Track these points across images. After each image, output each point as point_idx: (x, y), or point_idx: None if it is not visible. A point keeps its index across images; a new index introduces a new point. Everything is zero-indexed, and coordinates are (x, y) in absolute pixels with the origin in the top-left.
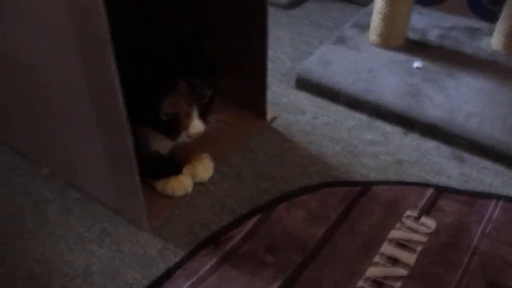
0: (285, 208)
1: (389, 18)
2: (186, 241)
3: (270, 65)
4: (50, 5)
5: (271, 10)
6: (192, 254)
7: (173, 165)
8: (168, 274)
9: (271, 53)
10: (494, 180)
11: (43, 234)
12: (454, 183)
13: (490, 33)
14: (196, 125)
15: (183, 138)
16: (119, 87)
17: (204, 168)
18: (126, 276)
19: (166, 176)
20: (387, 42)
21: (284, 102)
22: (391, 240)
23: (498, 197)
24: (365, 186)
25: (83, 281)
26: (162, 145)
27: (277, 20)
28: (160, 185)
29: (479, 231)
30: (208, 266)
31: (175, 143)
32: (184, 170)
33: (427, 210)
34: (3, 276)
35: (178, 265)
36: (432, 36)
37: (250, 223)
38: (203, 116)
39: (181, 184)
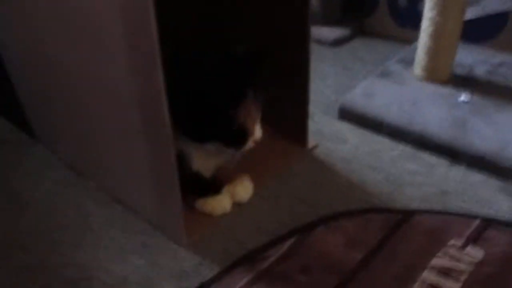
0: (323, 231)
1: (434, 52)
2: (222, 258)
3: (313, 97)
4: (103, 16)
5: (317, 46)
6: (227, 271)
7: (213, 184)
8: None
9: (315, 86)
10: None
11: (86, 244)
12: (503, 216)
13: None
14: (259, 130)
15: (249, 144)
16: (165, 98)
17: (243, 188)
18: None
19: (206, 195)
20: (432, 76)
21: (326, 132)
22: (432, 268)
23: None
24: (407, 214)
25: None
26: (205, 166)
27: (322, 56)
28: (200, 203)
29: None
30: (242, 283)
31: (239, 154)
32: (224, 190)
33: (473, 240)
34: (44, 281)
35: (212, 280)
36: (480, 71)
37: (287, 244)
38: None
39: (220, 204)
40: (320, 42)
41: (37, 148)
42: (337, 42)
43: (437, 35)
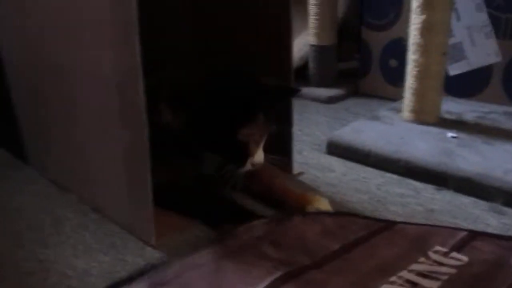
0: (300, 220)
1: (420, 93)
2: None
3: (304, 138)
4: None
5: (312, 103)
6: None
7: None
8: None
9: (307, 131)
10: None
11: (54, 242)
12: (493, 231)
13: None
14: (260, 155)
15: (248, 166)
16: (142, 83)
17: None
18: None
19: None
20: (420, 117)
21: (313, 163)
22: (412, 271)
23: None
24: (390, 223)
25: (78, 281)
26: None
27: (317, 110)
28: None
29: None
30: (203, 254)
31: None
32: None
33: (458, 248)
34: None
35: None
36: (469, 117)
37: (258, 225)
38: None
39: None
40: (315, 100)
41: (26, 169)
42: (332, 100)
43: (421, 76)
